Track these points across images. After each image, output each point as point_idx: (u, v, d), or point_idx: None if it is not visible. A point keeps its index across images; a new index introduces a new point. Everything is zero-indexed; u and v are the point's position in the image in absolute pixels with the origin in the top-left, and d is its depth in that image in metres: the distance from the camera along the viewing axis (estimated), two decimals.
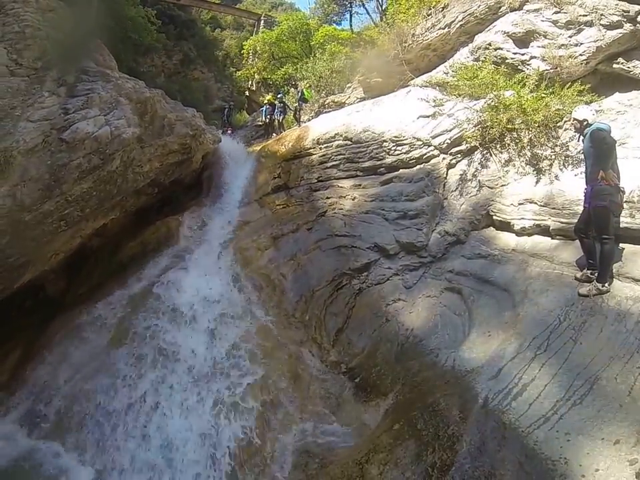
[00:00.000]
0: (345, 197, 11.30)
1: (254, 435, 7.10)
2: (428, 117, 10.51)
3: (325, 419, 7.56)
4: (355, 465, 6.06)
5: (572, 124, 6.91)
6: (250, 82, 32.21)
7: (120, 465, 6.78)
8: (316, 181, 12.48)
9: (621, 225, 6.45)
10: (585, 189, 6.40)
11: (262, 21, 35.55)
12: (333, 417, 7.59)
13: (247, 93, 33.24)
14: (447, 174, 9.69)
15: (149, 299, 9.35)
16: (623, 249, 6.45)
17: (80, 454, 6.93)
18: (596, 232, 6.23)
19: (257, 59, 30.98)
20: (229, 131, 22.62)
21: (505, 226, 8.18)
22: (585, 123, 6.47)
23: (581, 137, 6.61)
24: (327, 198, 11.67)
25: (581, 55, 8.91)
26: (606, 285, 6.03)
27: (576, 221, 6.64)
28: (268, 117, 20.03)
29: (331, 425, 7.41)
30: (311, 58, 23.12)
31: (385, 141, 10.98)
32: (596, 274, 6.23)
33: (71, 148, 8.05)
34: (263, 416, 7.39)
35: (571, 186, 7.40)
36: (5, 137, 7.26)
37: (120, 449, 6.94)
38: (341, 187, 11.74)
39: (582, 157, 7.10)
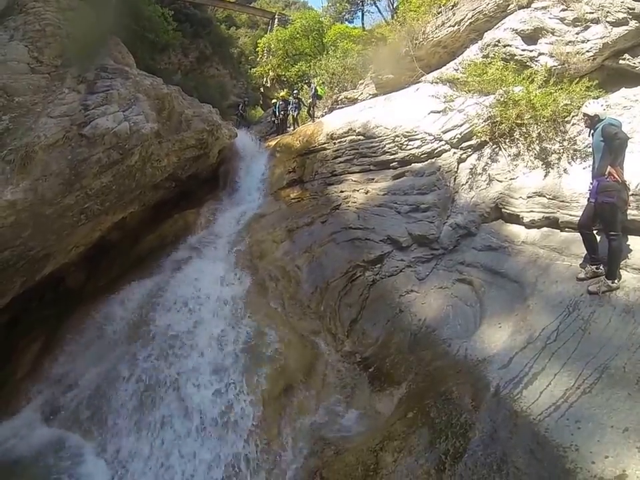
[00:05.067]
0: (358, 190, 11.44)
1: (271, 422, 7.22)
2: (439, 112, 10.65)
3: (340, 407, 7.64)
4: (369, 452, 6.15)
5: (583, 119, 6.89)
6: (264, 79, 32.34)
7: (136, 454, 6.89)
8: (330, 175, 12.66)
9: (627, 218, 6.47)
10: (591, 183, 6.39)
11: (276, 19, 35.70)
12: (348, 406, 7.66)
13: (261, 90, 33.38)
14: (457, 168, 9.80)
15: (167, 291, 9.49)
16: (629, 244, 6.47)
17: (97, 444, 7.06)
18: (603, 228, 6.27)
19: (271, 57, 31.15)
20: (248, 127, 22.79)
21: (515, 218, 8.24)
22: (596, 118, 6.43)
23: (591, 132, 6.58)
24: (341, 192, 11.83)
25: (587, 51, 8.99)
26: (616, 281, 6.02)
27: None
28: (281, 112, 20.19)
29: (345, 413, 7.49)
30: (324, 55, 23.20)
31: (397, 136, 11.13)
32: (601, 267, 6.26)
33: (91, 143, 8.23)
34: (280, 404, 7.50)
35: (580, 179, 7.42)
36: (26, 133, 7.45)
37: (137, 439, 7.05)
38: (355, 180, 11.91)
39: (590, 150, 7.12)
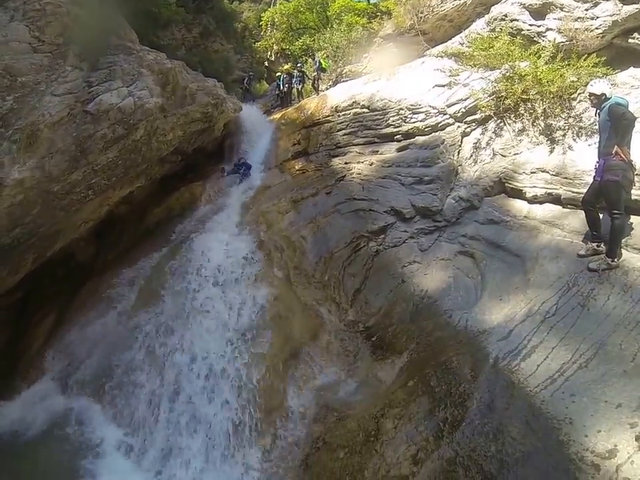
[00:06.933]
0: (362, 162, 11.46)
1: (276, 388, 7.49)
2: (443, 86, 10.57)
3: (343, 375, 7.87)
4: (371, 418, 6.35)
5: (589, 99, 6.74)
6: (269, 53, 32.07)
7: (150, 419, 7.21)
8: (334, 146, 12.68)
9: (631, 197, 6.42)
10: (597, 161, 6.32)
11: None
12: (351, 373, 7.88)
13: (266, 64, 33.07)
14: (461, 142, 9.78)
15: (175, 262, 9.69)
16: (631, 222, 6.47)
17: (111, 411, 7.37)
18: (607, 206, 6.22)
19: (275, 30, 30.76)
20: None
21: (517, 193, 8.24)
22: (603, 97, 6.34)
23: (597, 111, 6.50)
24: (346, 163, 11.85)
25: (596, 28, 8.83)
26: (615, 260, 6.04)
27: None
28: (286, 86, 20.18)
29: (348, 381, 7.70)
30: (328, 29, 22.84)
31: (401, 109, 11.08)
32: (602, 245, 6.28)
33: (95, 119, 8.29)
34: (285, 370, 7.76)
35: (584, 157, 7.38)
36: (31, 112, 7.49)
37: (150, 404, 7.36)
38: (359, 152, 11.92)
39: (595, 128, 7.07)
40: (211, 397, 7.37)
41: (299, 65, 20.98)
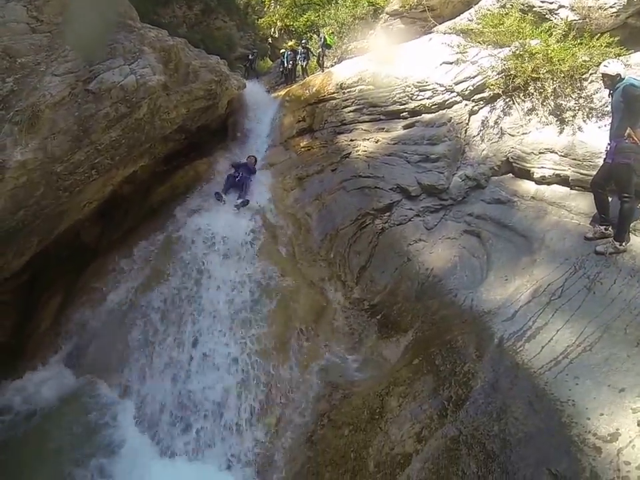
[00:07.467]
0: (368, 139, 11.35)
1: (282, 367, 7.53)
2: (451, 63, 10.40)
3: (348, 352, 7.95)
4: (375, 396, 6.42)
5: (602, 80, 6.60)
6: (272, 29, 31.62)
7: (160, 398, 7.26)
8: (340, 124, 12.54)
9: None
10: (609, 143, 6.23)
11: None
12: (356, 351, 7.96)
13: (269, 40, 32.70)
14: (468, 120, 9.68)
15: (179, 240, 9.66)
16: None
17: (121, 389, 7.43)
18: (617, 189, 6.16)
19: (278, 6, 30.29)
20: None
21: (525, 173, 8.19)
22: (618, 78, 6.21)
23: (610, 92, 6.37)
24: (351, 140, 11.75)
25: (611, 7, 8.60)
26: (623, 244, 6.00)
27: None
28: (290, 62, 20.12)
29: (353, 359, 7.78)
30: (333, 4, 22.61)
31: (407, 86, 10.94)
32: (610, 229, 6.23)
33: (97, 98, 8.18)
34: (290, 348, 7.80)
35: (594, 138, 7.28)
36: (31, 93, 7.41)
37: (159, 382, 7.43)
38: (365, 129, 11.80)
39: (607, 109, 7.01)
40: (216, 374, 7.44)
41: (303, 41, 20.82)
